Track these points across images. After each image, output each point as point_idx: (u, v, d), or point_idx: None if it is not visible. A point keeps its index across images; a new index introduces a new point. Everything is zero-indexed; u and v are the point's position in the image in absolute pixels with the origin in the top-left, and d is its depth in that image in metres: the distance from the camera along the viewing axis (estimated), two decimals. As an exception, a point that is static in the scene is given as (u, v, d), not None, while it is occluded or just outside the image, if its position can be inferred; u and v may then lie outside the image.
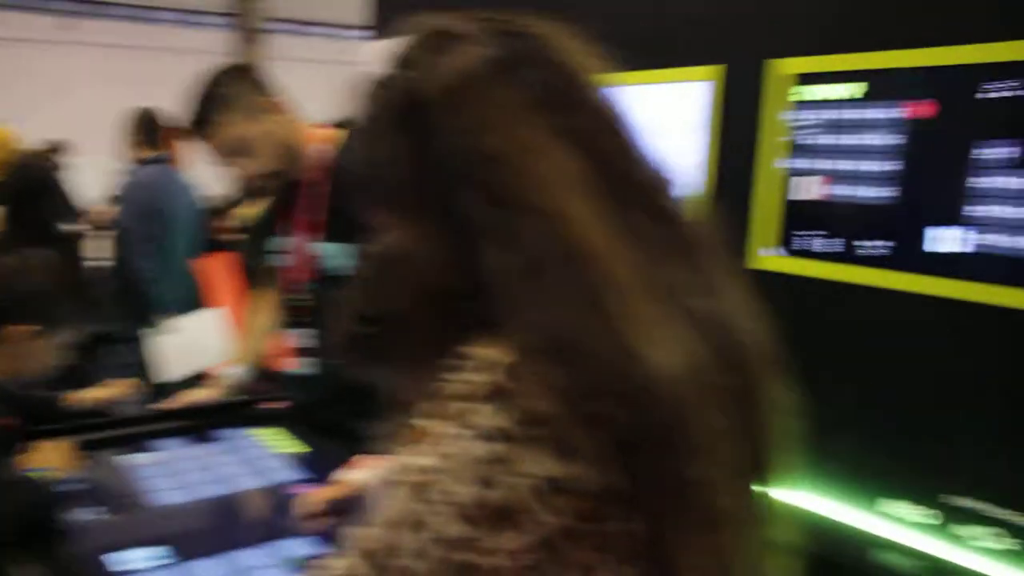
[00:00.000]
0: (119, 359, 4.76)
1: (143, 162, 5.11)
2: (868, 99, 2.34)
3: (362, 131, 0.70)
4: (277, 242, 2.81)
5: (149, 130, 5.12)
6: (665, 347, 0.52)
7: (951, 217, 2.18)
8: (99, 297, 5.28)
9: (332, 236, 2.61)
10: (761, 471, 0.62)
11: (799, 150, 2.50)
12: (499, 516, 0.46)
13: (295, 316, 2.76)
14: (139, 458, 2.39)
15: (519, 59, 0.63)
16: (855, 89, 2.37)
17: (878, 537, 2.35)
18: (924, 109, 2.22)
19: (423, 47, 0.64)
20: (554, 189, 0.55)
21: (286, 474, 2.34)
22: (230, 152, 2.56)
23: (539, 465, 0.49)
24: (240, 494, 2.19)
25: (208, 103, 2.55)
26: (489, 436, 0.49)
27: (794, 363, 2.27)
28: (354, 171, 0.74)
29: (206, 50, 11.31)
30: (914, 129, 2.25)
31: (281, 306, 2.86)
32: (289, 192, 2.70)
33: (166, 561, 1.81)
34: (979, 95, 2.11)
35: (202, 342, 4.25)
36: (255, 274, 3.03)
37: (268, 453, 2.49)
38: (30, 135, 7.13)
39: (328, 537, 1.88)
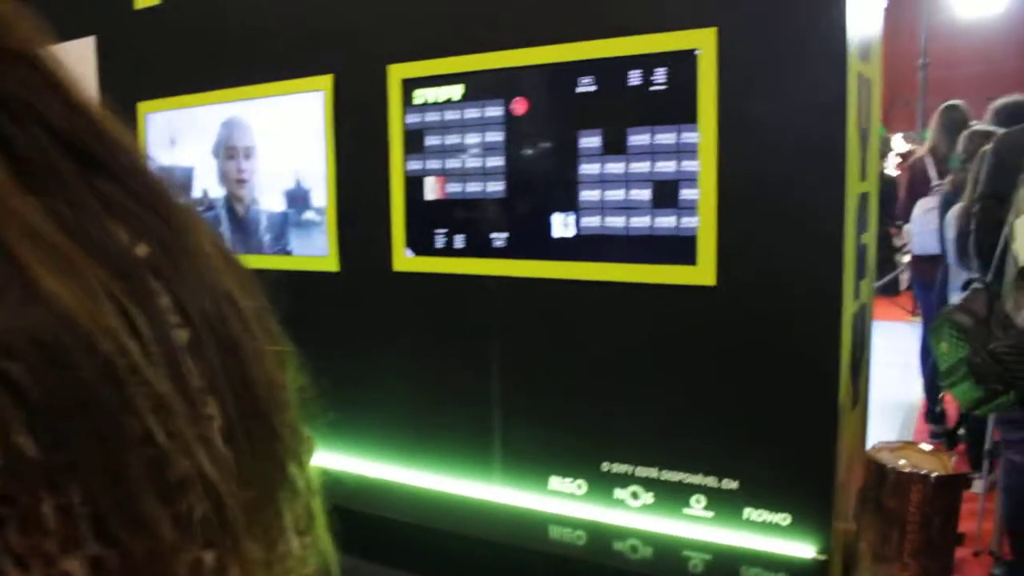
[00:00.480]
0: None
1: None
2: (467, 99, 2.44)
3: None
4: None
5: None
6: (79, 297, 0.44)
7: (557, 206, 2.33)
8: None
9: None
10: (268, 439, 0.58)
11: (415, 152, 2.54)
12: None
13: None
14: None
15: None
16: (454, 91, 2.46)
17: (550, 514, 2.44)
18: (519, 106, 2.36)
19: None
20: None
21: None
22: None
23: None
24: None
25: None
26: None
27: (444, 363, 2.26)
28: None
29: None
30: (512, 125, 2.38)
31: None
32: None
33: None
34: (568, 90, 2.28)
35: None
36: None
37: None
38: None
39: None
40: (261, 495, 0.58)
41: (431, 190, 2.54)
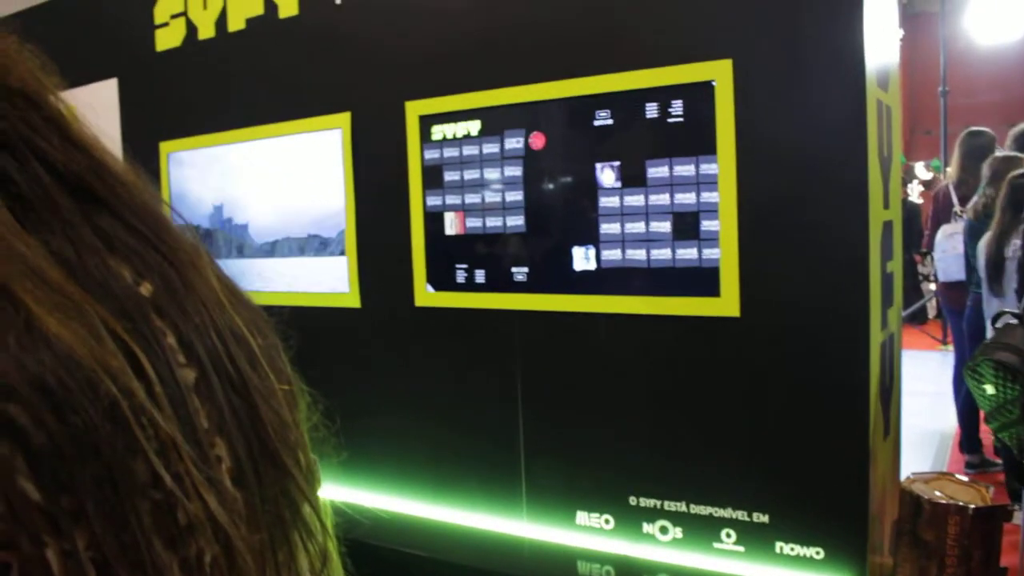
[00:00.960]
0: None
1: None
2: (485, 135, 2.46)
3: None
4: None
5: None
6: (82, 339, 0.44)
7: (577, 240, 2.33)
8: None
9: None
10: (279, 480, 0.56)
11: (435, 188, 2.56)
12: None
13: None
14: None
15: None
16: (472, 127, 2.47)
17: (577, 549, 2.41)
18: (537, 140, 2.37)
19: None
20: None
21: None
22: None
23: None
24: None
25: None
26: None
27: (468, 398, 2.25)
28: None
29: None
30: (530, 160, 2.39)
31: None
32: None
33: None
34: (586, 124, 2.29)
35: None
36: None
37: None
38: None
39: None
40: (272, 537, 0.57)
41: (451, 225, 2.54)
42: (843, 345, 2.01)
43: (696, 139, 2.13)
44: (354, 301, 2.78)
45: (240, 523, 0.52)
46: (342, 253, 2.80)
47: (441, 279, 2.58)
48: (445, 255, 2.57)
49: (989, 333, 2.45)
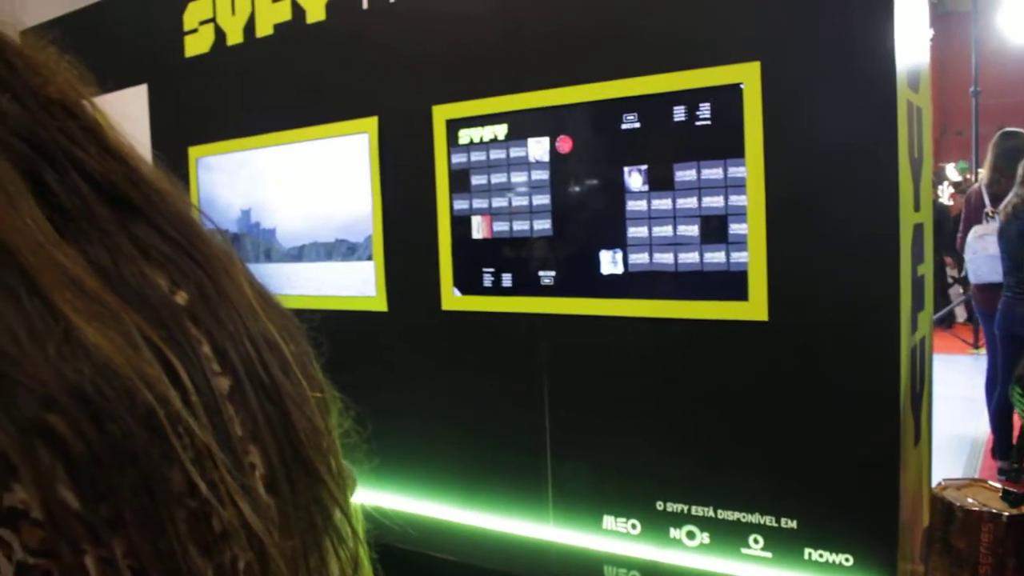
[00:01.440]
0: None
1: None
2: (511, 138, 2.46)
3: None
4: None
5: None
6: (120, 348, 0.44)
7: (604, 243, 2.32)
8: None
9: None
10: (311, 487, 0.57)
11: (461, 192, 2.56)
12: None
13: None
14: None
15: None
16: (499, 130, 2.48)
17: (604, 554, 2.40)
18: (564, 144, 2.37)
19: None
20: None
21: None
22: None
23: None
24: None
25: None
26: None
27: (495, 402, 2.25)
28: None
29: None
30: (557, 163, 2.39)
31: None
32: None
33: None
34: (613, 127, 2.28)
35: None
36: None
37: None
38: None
39: None
40: (305, 543, 0.57)
41: (478, 229, 2.55)
42: (873, 349, 1.99)
43: (724, 142, 2.12)
44: (381, 305, 2.79)
45: (273, 530, 0.52)
46: (369, 258, 2.81)
47: (468, 283, 2.59)
48: (472, 259, 2.58)
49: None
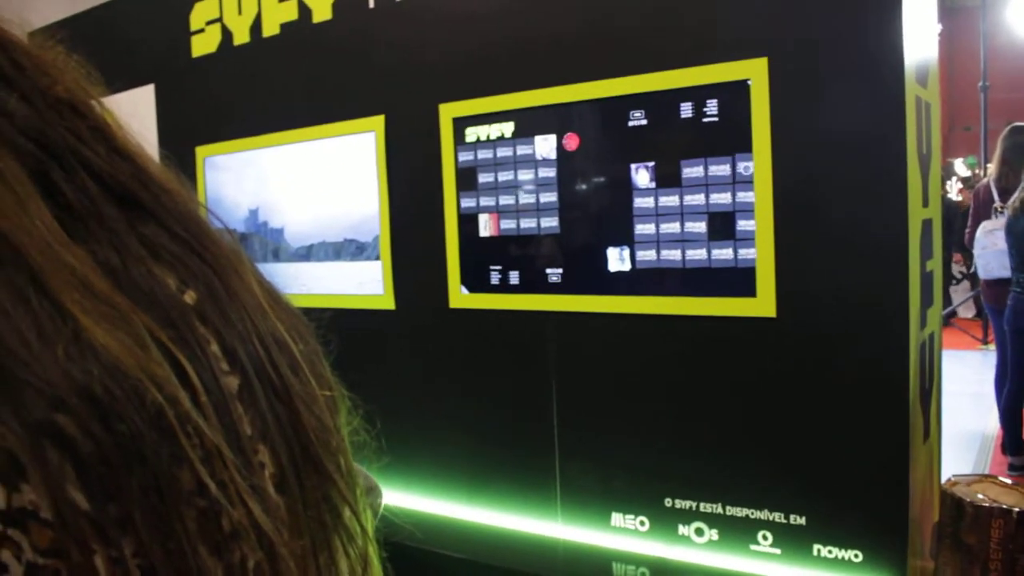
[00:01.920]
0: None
1: None
2: (518, 136, 2.46)
3: None
4: None
5: None
6: (128, 349, 0.44)
7: (612, 240, 2.32)
8: None
9: None
10: (321, 486, 0.57)
11: (468, 190, 2.56)
12: None
13: None
14: None
15: None
16: (506, 128, 2.48)
17: (612, 551, 2.40)
18: (571, 141, 2.37)
19: None
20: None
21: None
22: None
23: None
24: None
25: None
26: None
27: (503, 399, 2.25)
28: None
29: None
30: (564, 161, 2.39)
31: None
32: None
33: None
34: (620, 124, 2.28)
35: None
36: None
37: None
38: None
39: None
40: (314, 542, 0.57)
41: (485, 227, 2.55)
42: (882, 346, 1.98)
43: (731, 138, 2.12)
44: (388, 303, 2.80)
45: (283, 529, 0.53)
46: (378, 258, 2.81)
47: (475, 281, 2.59)
48: (479, 257, 2.58)
49: None
